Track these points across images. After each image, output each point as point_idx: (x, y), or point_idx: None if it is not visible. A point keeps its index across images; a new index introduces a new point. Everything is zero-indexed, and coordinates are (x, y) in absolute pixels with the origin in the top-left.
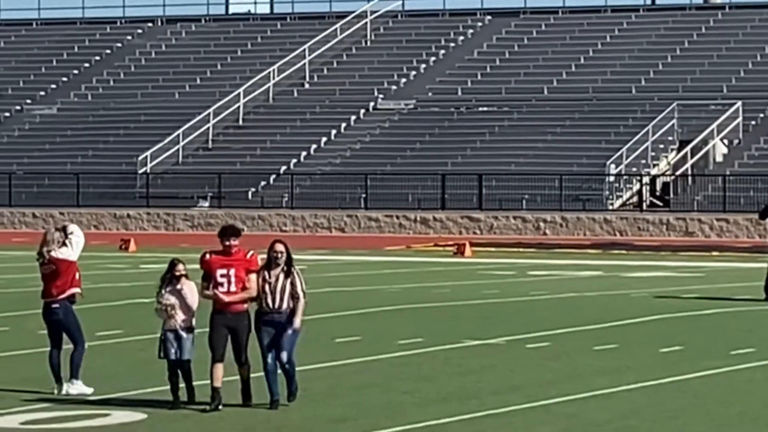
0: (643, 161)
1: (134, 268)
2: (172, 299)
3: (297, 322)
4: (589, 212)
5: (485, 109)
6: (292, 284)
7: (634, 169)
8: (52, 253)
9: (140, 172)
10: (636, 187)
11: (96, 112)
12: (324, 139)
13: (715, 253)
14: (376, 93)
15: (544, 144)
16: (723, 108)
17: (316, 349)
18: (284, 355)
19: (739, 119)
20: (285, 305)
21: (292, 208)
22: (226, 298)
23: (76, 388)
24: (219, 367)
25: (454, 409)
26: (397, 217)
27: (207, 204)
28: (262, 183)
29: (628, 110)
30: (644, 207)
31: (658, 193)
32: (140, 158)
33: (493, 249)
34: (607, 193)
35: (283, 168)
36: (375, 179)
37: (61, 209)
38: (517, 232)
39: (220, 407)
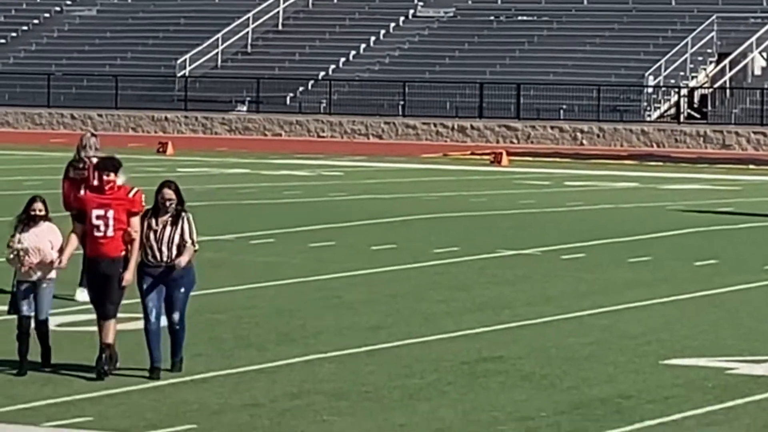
0: (682, 73)
1: (171, 172)
2: (26, 243)
3: (183, 260)
4: (626, 123)
5: (525, 18)
6: (182, 234)
7: (672, 81)
8: (92, 159)
9: (179, 75)
10: (674, 98)
11: (135, 14)
12: (363, 45)
13: (751, 167)
14: (416, 0)
15: (582, 54)
16: (762, 21)
17: (352, 256)
18: (176, 316)
19: None
20: (173, 257)
21: (330, 114)
22: (125, 278)
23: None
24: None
25: (488, 318)
26: (435, 125)
27: (245, 108)
28: (301, 88)
29: (668, 22)
30: (682, 119)
31: (695, 106)
32: (179, 61)
33: (529, 158)
34: (645, 104)
35: (322, 74)
36: (413, 86)
37: (99, 111)
38: (554, 142)
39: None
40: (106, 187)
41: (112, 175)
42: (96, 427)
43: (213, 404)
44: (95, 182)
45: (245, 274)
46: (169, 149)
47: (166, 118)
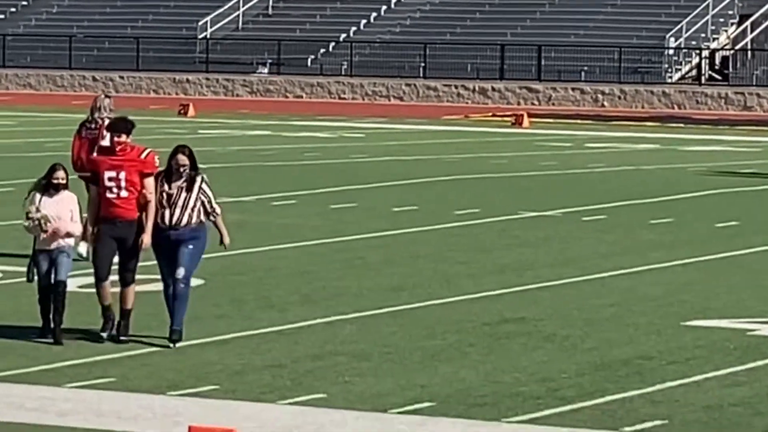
0: (703, 35)
1: (192, 134)
2: (47, 210)
3: (226, 237)
4: (647, 85)
5: None
6: (202, 198)
7: (694, 43)
8: (105, 120)
9: (200, 37)
10: (695, 60)
11: None
12: (384, 7)
13: None
14: None
15: (603, 16)
16: None
17: (373, 217)
18: (181, 271)
19: None
20: (185, 220)
21: (351, 76)
22: (144, 242)
23: None
24: (106, 286)
25: (509, 280)
26: (456, 87)
27: (266, 70)
28: (322, 50)
29: None
30: (703, 80)
31: (716, 67)
32: (200, 23)
33: (551, 120)
34: (666, 66)
35: (343, 36)
36: (434, 48)
37: (121, 73)
38: (575, 103)
39: (116, 323)
40: (118, 149)
41: (123, 137)
42: (118, 388)
43: (235, 365)
44: (104, 142)
45: (266, 235)
46: (191, 111)
47: (187, 80)
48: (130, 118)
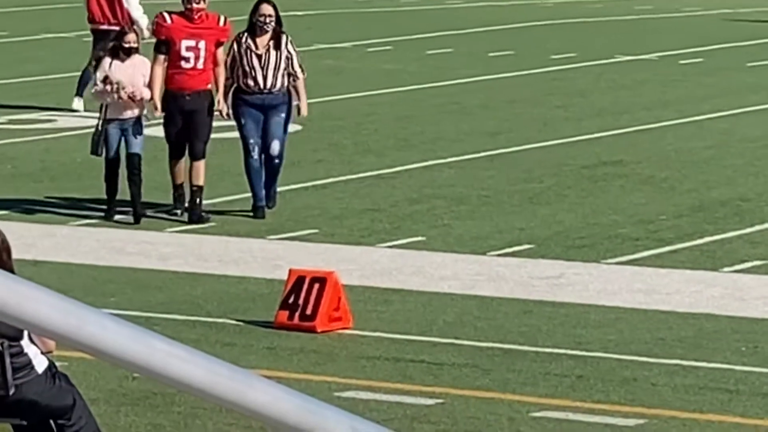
0: None
1: None
2: (119, 75)
3: (304, 107)
4: None
5: None
6: (287, 58)
7: None
8: None
9: None
10: None
11: None
12: None
13: None
14: None
15: None
16: None
17: (470, 62)
18: (276, 145)
19: None
20: (279, 83)
21: None
22: (223, 111)
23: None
24: (181, 163)
25: (606, 123)
26: None
27: None
28: None
29: None
30: None
31: None
32: None
33: None
34: None
35: None
36: None
37: None
38: None
39: (186, 204)
40: (197, 17)
41: (202, 3)
42: (218, 232)
43: (334, 209)
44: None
45: (363, 81)
46: None
47: None
48: None
